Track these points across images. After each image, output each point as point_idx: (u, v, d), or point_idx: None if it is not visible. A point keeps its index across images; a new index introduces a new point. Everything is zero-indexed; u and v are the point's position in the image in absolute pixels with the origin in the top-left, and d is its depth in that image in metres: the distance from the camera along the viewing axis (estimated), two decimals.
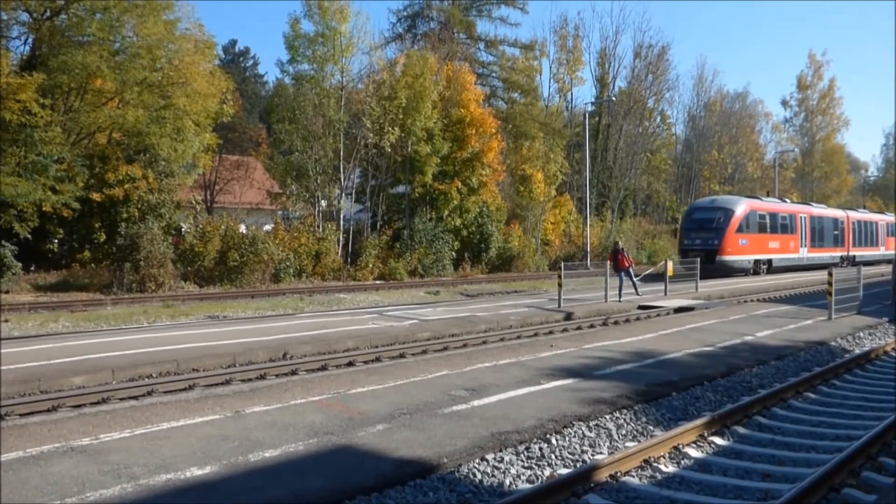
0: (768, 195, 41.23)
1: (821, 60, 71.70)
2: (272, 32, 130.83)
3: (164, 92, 24.59)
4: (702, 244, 29.96)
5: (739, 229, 30.54)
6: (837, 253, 38.88)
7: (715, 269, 29.17)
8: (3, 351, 10.63)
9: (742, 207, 31.12)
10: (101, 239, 24.31)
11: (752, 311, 17.73)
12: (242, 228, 27.61)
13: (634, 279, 20.92)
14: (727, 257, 29.94)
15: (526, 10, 51.29)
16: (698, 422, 6.94)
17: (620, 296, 19.86)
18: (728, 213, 30.51)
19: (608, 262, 20.64)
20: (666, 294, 21.56)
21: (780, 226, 33.36)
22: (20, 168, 21.05)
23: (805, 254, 35.50)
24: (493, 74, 47.78)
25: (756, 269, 31.80)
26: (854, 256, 40.00)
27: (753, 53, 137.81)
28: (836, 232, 39.00)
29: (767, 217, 32.46)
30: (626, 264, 20.34)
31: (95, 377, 9.37)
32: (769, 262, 32.61)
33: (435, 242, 32.27)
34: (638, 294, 20.40)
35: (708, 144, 59.05)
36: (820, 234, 37.10)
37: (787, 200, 39.54)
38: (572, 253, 41.60)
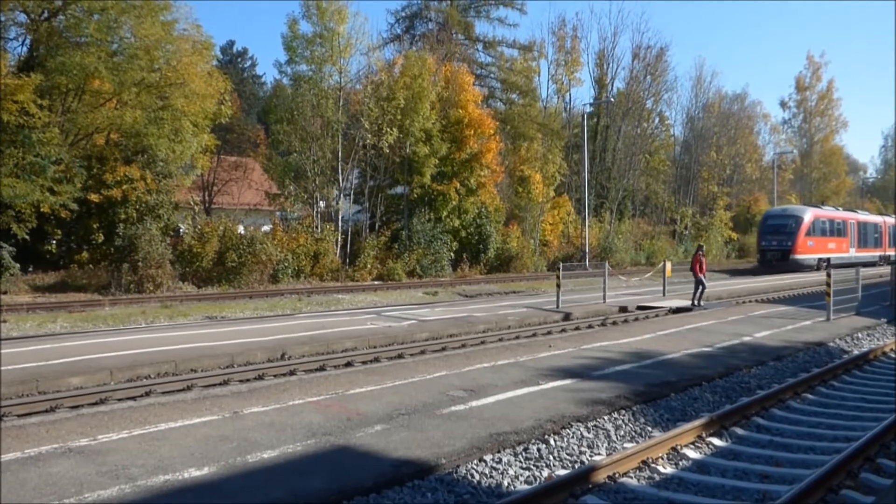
0: (823, 204, 46.50)
1: (819, 62, 71.93)
2: (270, 33, 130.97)
3: (161, 93, 24.56)
4: (777, 245, 36.57)
5: (808, 233, 36.88)
6: (877, 253, 44.48)
7: (788, 265, 35.49)
8: (1, 351, 10.62)
9: (809, 215, 37.51)
10: (99, 240, 24.26)
11: (750, 311, 17.74)
12: (241, 229, 27.60)
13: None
14: (798, 256, 36.17)
15: (524, 11, 51.49)
16: (696, 423, 6.94)
17: (700, 300, 19.25)
18: (798, 219, 36.90)
19: (693, 268, 19.69)
20: (664, 295, 21.57)
21: (836, 230, 39.73)
22: (18, 169, 21.01)
23: (854, 253, 40.97)
24: (492, 75, 47.77)
25: (818, 266, 36.99)
26: (889, 256, 44.77)
27: (752, 55, 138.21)
28: (876, 235, 44.75)
29: (827, 223, 39.04)
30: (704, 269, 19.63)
31: (93, 378, 9.36)
32: (828, 260, 37.83)
33: (433, 243, 32.26)
34: (701, 304, 19.26)
35: (706, 145, 58.94)
36: (864, 236, 43.04)
37: (839, 209, 45.19)
38: (571, 254, 41.60)
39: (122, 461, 5.73)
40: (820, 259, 37.49)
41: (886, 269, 28.44)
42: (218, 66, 33.08)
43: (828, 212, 40.63)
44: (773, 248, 36.79)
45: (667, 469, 6.06)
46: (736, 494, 5.53)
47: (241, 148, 41.40)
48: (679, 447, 6.51)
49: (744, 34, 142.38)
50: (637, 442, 6.76)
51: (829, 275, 16.25)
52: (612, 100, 49.03)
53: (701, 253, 19.95)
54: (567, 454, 6.38)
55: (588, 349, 11.64)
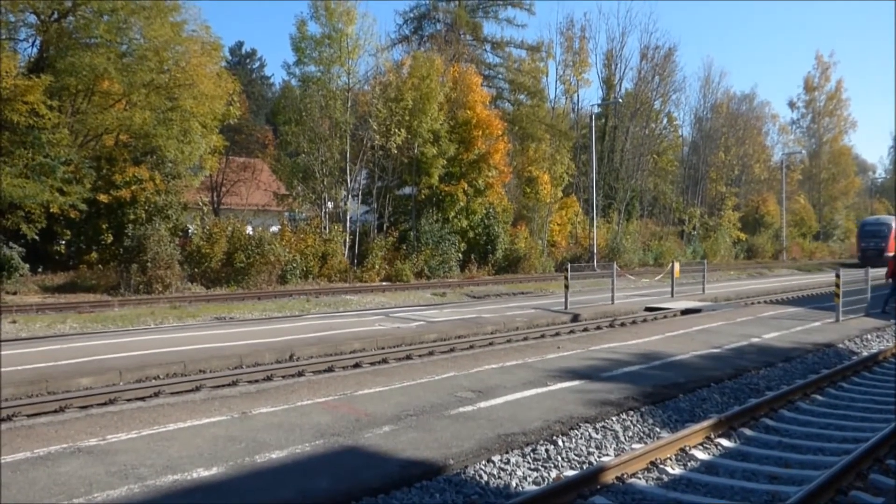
0: None
1: (828, 62, 71.45)
2: (279, 34, 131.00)
3: (170, 94, 24.66)
4: (874, 245, 48.03)
5: None
6: None
7: (882, 260, 42.22)
8: (11, 352, 10.68)
9: None
10: (108, 240, 24.37)
11: (759, 313, 17.67)
12: (249, 230, 27.65)
13: None
14: (890, 253, 42.59)
15: (532, 12, 51.20)
16: (705, 424, 6.93)
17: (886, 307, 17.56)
18: (889, 226, 49.28)
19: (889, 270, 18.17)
20: (673, 296, 21.52)
21: None
22: (28, 170, 21.13)
23: None
24: (500, 76, 47.76)
25: None
26: None
27: (761, 55, 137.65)
28: None
29: None
30: None
31: (102, 378, 9.40)
32: None
33: (441, 244, 32.25)
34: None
35: (714, 146, 58.74)
36: None
37: None
38: (579, 254, 41.52)
39: (131, 461, 5.76)
40: None
41: None
42: (227, 67, 33.17)
43: None
44: (871, 247, 47.94)
45: (675, 470, 6.05)
46: (745, 495, 5.51)
47: (249, 149, 41.51)
48: (687, 448, 6.49)
49: (752, 34, 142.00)
50: (645, 443, 6.74)
51: (838, 276, 16.17)
52: (621, 100, 48.90)
53: None
54: (575, 455, 6.37)
55: (596, 350, 11.62)
